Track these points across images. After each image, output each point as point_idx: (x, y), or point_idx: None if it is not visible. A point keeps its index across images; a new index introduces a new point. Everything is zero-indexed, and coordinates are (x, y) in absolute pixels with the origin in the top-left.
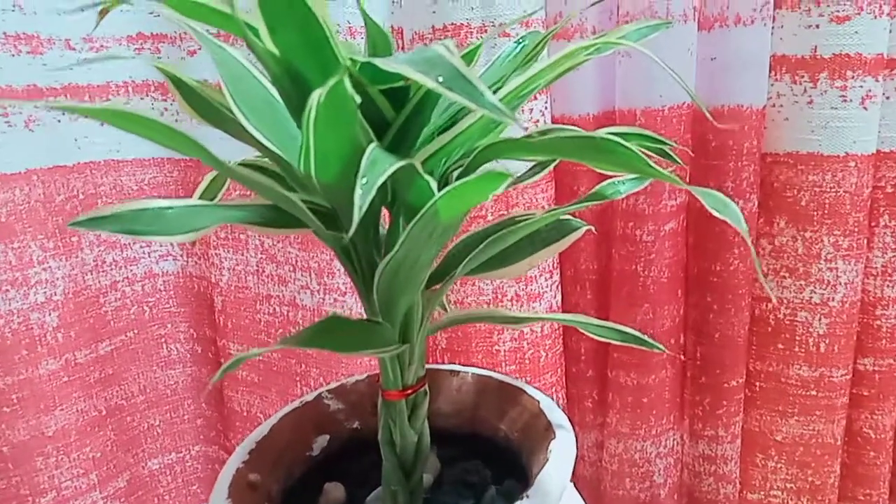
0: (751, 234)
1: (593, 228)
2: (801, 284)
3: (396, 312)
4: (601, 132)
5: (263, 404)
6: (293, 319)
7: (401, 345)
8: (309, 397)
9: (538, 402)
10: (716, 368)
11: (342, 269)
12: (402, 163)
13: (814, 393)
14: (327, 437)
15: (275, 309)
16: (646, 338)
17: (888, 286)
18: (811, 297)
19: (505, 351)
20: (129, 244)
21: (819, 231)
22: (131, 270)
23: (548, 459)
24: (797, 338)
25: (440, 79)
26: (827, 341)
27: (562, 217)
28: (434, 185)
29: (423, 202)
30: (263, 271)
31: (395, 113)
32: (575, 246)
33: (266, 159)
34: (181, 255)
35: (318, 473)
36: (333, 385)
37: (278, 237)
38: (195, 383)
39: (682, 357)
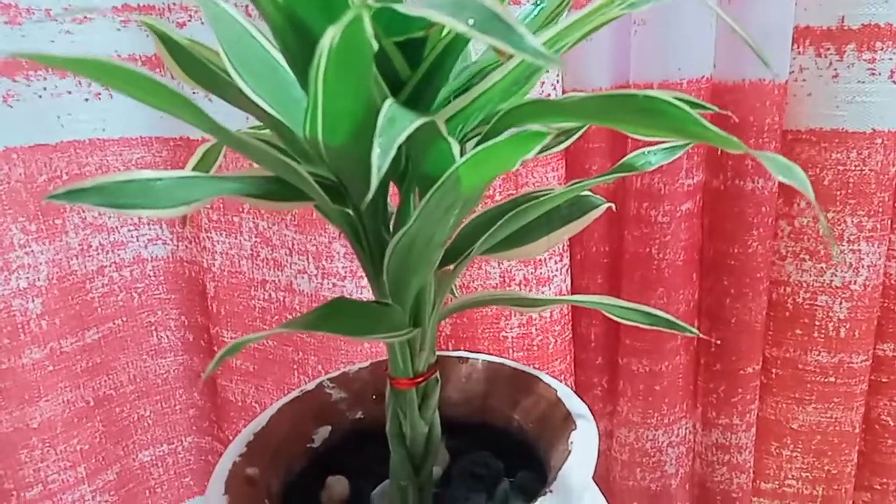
0: (770, 215)
1: (614, 206)
2: (821, 267)
3: (407, 294)
4: (641, 91)
5: (259, 394)
6: (290, 305)
7: (412, 329)
8: (309, 386)
9: (555, 390)
10: (731, 355)
11: (341, 253)
12: (424, 119)
13: (832, 379)
14: (329, 428)
15: (270, 294)
16: (676, 320)
17: None
18: (832, 281)
19: (512, 337)
20: (116, 227)
21: (842, 211)
22: (119, 255)
23: (570, 451)
24: (816, 323)
25: (471, 21)
26: (847, 326)
27: (581, 194)
28: (456, 148)
29: (442, 170)
30: (258, 255)
31: (410, 71)
32: (585, 228)
33: (264, 130)
34: (171, 240)
35: (319, 466)
36: (335, 373)
37: (273, 219)
38: (187, 372)
39: (706, 338)
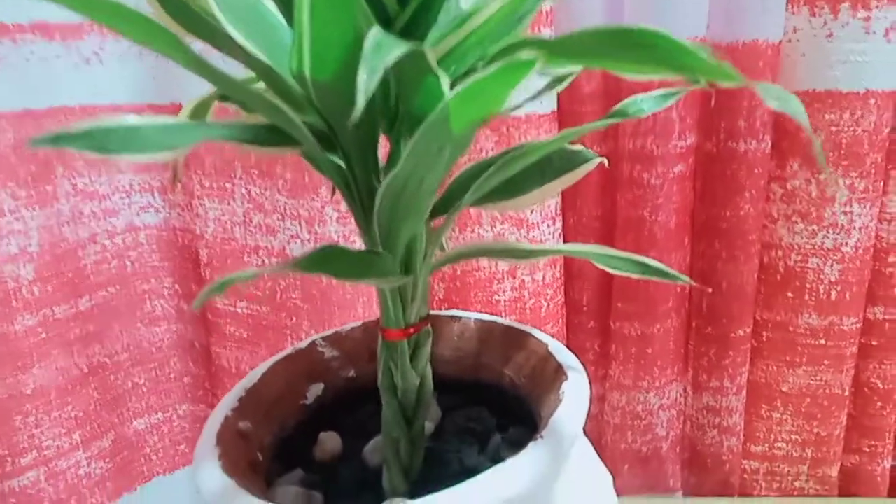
0: (762, 177)
1: (606, 161)
2: (813, 229)
3: (398, 243)
4: (635, 25)
5: (253, 360)
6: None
7: (403, 276)
8: (301, 345)
9: (546, 344)
10: (722, 318)
11: (334, 217)
12: (410, 46)
13: (823, 342)
14: (321, 385)
15: (263, 261)
16: (668, 269)
17: None
18: (823, 243)
19: (505, 301)
20: (108, 195)
21: (834, 173)
22: (111, 223)
23: (560, 401)
24: (807, 285)
25: None
26: (838, 288)
27: (574, 147)
28: (446, 81)
29: (431, 106)
30: (251, 221)
31: (399, 8)
32: (577, 192)
33: (255, 84)
34: (163, 207)
35: (312, 423)
36: (328, 332)
37: (266, 184)
38: (181, 341)
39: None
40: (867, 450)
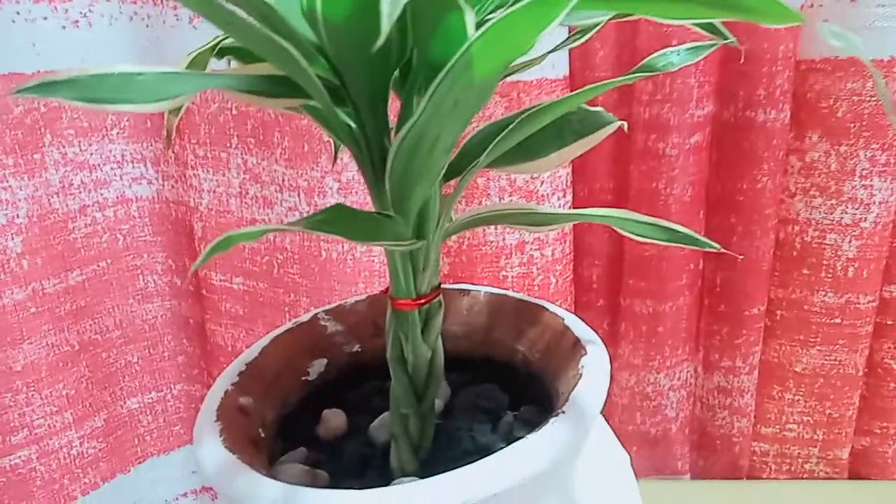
0: (781, 149)
1: (625, 125)
2: (832, 204)
3: (410, 206)
4: None
5: (249, 338)
6: (280, 245)
7: (416, 241)
8: (303, 318)
9: (562, 318)
10: (737, 295)
11: (335, 188)
12: None
13: (838, 321)
14: (324, 361)
15: None
16: (697, 235)
17: None
18: (842, 218)
19: (512, 277)
20: (98, 165)
21: (855, 145)
22: (101, 194)
23: (581, 375)
24: (824, 262)
25: None
26: (856, 265)
27: (593, 108)
28: (471, 18)
29: (452, 49)
30: (247, 193)
31: None
32: (588, 163)
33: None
34: (156, 179)
35: (315, 400)
36: (331, 306)
37: (263, 153)
38: (175, 318)
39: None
40: (878, 431)
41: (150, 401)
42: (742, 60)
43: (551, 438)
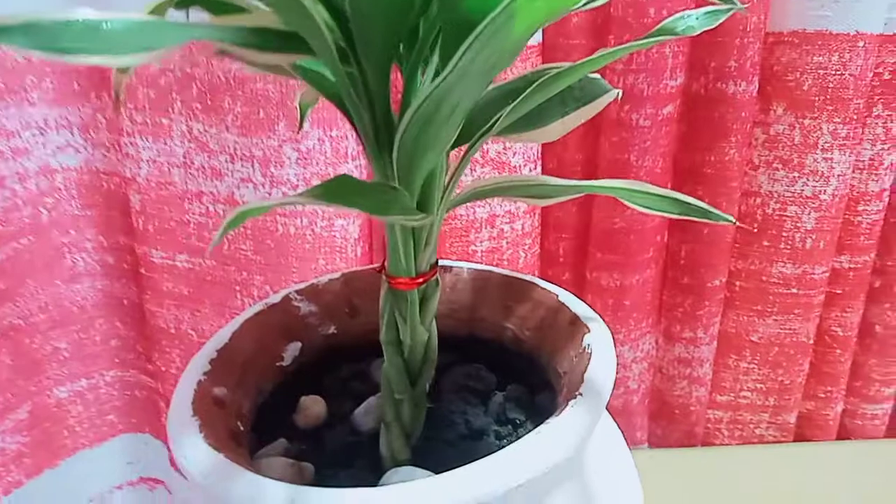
0: (748, 121)
1: (620, 93)
2: (794, 177)
3: (416, 178)
4: None
5: (195, 320)
6: None
7: (425, 216)
8: (273, 299)
9: (555, 294)
10: (700, 267)
11: (293, 158)
12: None
13: (795, 291)
14: (299, 344)
15: (207, 208)
16: (711, 208)
17: (873, 180)
18: (803, 191)
19: (482, 252)
20: (17, 131)
21: (819, 118)
22: (21, 164)
23: (590, 354)
24: (784, 234)
25: None
26: (814, 237)
27: (592, 76)
28: None
29: (490, 5)
30: (192, 163)
31: None
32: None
33: None
34: (85, 147)
35: (291, 386)
36: (303, 285)
37: (211, 120)
38: (107, 299)
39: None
40: (823, 396)
41: (80, 389)
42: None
43: (574, 422)
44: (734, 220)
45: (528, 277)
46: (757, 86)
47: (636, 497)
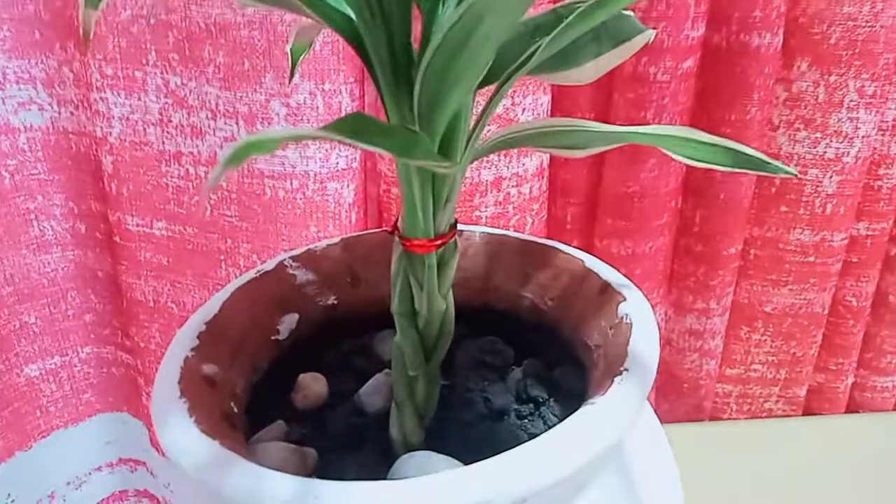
0: (771, 77)
1: (654, 34)
2: (816, 137)
3: (440, 119)
4: None
5: (176, 292)
6: None
7: (451, 163)
8: (267, 266)
9: (581, 260)
10: (716, 234)
11: (282, 114)
12: None
13: (812, 259)
14: (296, 316)
15: (187, 170)
16: (769, 159)
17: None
18: (825, 153)
19: (487, 217)
20: None
21: (846, 74)
22: None
23: (630, 325)
24: (804, 199)
25: None
26: (834, 202)
27: (625, 13)
28: None
29: None
30: (169, 121)
31: None
32: (566, 92)
33: None
34: (50, 104)
35: (289, 363)
36: (298, 251)
37: (190, 73)
38: (80, 270)
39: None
40: (834, 368)
41: (53, 366)
42: None
43: (624, 401)
44: (795, 173)
45: (549, 242)
46: (781, 39)
47: (673, 476)
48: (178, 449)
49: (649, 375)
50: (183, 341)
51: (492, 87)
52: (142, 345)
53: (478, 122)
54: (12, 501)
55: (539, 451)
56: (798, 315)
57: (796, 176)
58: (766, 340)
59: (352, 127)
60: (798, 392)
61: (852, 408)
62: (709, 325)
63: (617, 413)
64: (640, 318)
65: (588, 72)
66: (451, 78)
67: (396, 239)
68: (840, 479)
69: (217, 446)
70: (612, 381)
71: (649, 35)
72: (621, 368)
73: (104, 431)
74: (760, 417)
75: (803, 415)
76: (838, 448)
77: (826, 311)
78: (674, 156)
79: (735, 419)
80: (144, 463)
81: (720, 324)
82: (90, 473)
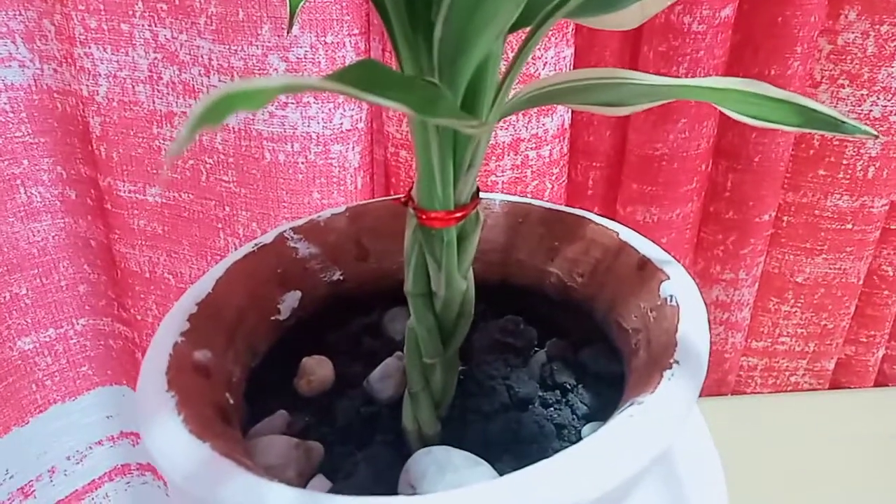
0: (816, 28)
1: None
2: (861, 95)
3: (464, 69)
4: None
5: (173, 262)
6: (208, 145)
7: (479, 121)
8: (266, 239)
9: (616, 232)
10: (748, 200)
11: (280, 70)
12: None
13: (849, 226)
14: (298, 294)
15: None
16: (843, 117)
17: None
18: (871, 111)
19: (503, 182)
20: None
21: None
22: None
23: (678, 308)
24: (844, 162)
25: None
26: (877, 165)
27: None
28: None
29: None
30: (160, 78)
31: None
32: (593, 42)
33: None
34: (31, 61)
35: (290, 345)
36: (300, 222)
37: (181, 25)
38: (72, 239)
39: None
40: (865, 340)
41: (48, 339)
42: None
43: (675, 402)
44: (876, 133)
45: (579, 212)
46: None
47: (719, 479)
48: (163, 455)
49: (701, 370)
50: (172, 325)
51: (519, 35)
52: (138, 317)
53: (507, 72)
54: (10, 477)
55: (582, 461)
56: (831, 285)
57: (876, 136)
58: (795, 312)
59: (361, 77)
60: (826, 365)
61: (881, 381)
62: (736, 296)
63: (669, 414)
64: (688, 300)
65: (632, 15)
66: (480, 18)
67: (410, 211)
68: (868, 455)
69: (208, 450)
70: (661, 375)
71: None
72: (671, 361)
73: (104, 405)
74: (785, 391)
75: (830, 388)
76: (867, 422)
77: (860, 282)
78: (732, 114)
79: (759, 393)
80: None
81: (748, 295)
82: (91, 448)
